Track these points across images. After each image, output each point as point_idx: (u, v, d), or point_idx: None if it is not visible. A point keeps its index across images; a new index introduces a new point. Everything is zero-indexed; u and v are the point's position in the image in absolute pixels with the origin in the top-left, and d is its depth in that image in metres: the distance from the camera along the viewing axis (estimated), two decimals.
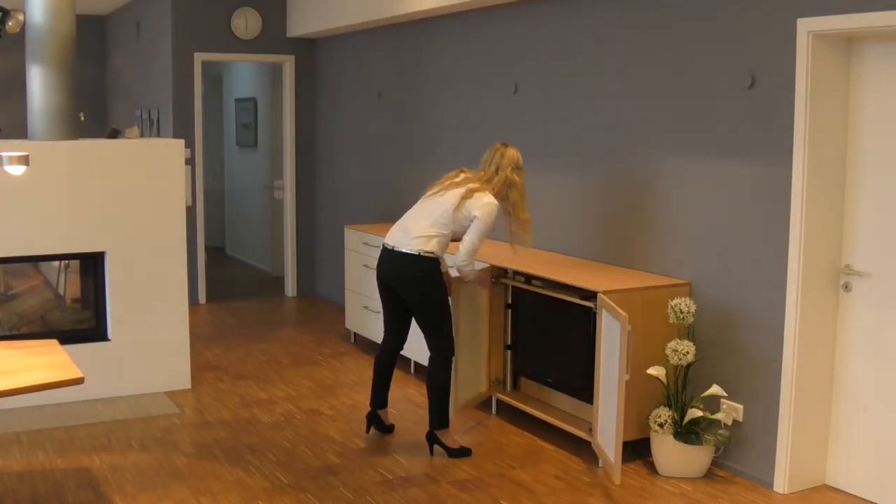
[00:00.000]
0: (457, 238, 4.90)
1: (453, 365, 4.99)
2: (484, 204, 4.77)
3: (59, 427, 5.31)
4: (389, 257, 4.92)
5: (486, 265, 5.35)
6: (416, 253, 4.80)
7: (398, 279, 4.89)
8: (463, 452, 4.93)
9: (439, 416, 4.92)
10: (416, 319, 4.99)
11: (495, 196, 4.82)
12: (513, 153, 4.90)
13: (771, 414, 4.48)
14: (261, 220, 10.60)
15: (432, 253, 4.81)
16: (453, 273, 5.07)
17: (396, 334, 5.13)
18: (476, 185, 4.84)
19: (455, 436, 5.06)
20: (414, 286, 4.86)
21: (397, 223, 5.01)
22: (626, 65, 5.26)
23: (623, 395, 4.34)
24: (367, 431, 5.21)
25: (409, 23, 7.28)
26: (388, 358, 5.16)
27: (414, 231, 4.85)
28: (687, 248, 4.92)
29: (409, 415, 5.57)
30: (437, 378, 4.91)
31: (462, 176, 4.95)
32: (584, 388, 4.94)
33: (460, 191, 4.83)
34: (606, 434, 4.53)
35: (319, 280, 9.17)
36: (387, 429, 5.23)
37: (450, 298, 4.96)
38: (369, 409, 5.22)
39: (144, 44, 9.41)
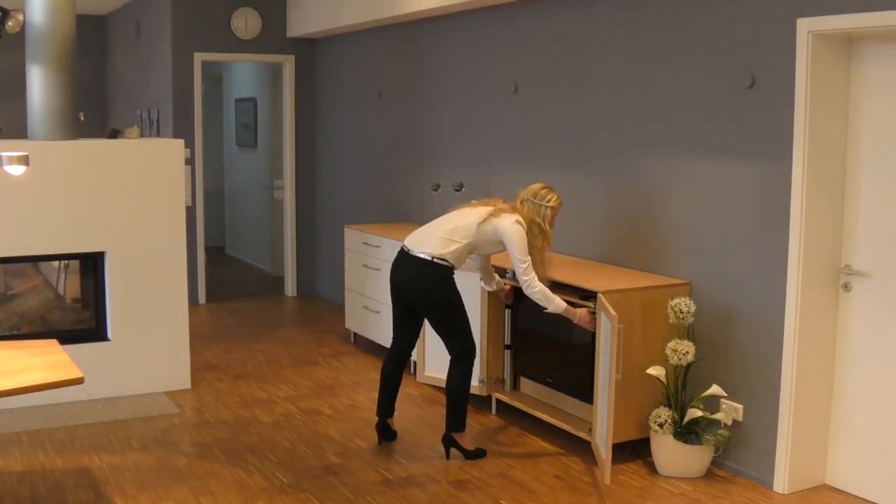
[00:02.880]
0: (475, 252, 4.92)
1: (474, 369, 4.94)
2: (510, 223, 4.75)
3: (59, 427, 5.31)
4: (403, 260, 4.91)
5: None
6: (430, 258, 4.79)
7: (409, 283, 4.88)
8: (479, 454, 4.90)
9: (457, 419, 4.88)
10: (430, 324, 4.97)
11: (525, 221, 4.80)
12: (535, 185, 4.91)
13: (771, 414, 4.48)
14: (261, 220, 10.60)
15: (445, 259, 4.78)
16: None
17: (405, 339, 5.08)
18: (505, 207, 4.86)
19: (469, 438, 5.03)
20: (424, 291, 4.84)
21: (420, 228, 5.01)
22: (626, 64, 5.26)
23: (613, 394, 4.34)
24: (380, 443, 5.10)
25: (409, 23, 7.28)
26: (395, 364, 5.08)
27: (432, 236, 4.85)
28: (687, 248, 4.92)
29: (409, 415, 5.57)
30: (456, 381, 4.86)
31: (495, 200, 4.97)
32: (584, 389, 4.94)
33: (490, 208, 4.86)
34: (602, 434, 4.53)
35: (319, 280, 9.17)
36: (391, 435, 5.16)
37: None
38: (377, 419, 5.11)
39: (144, 44, 9.41)
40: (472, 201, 5.04)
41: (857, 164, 4.33)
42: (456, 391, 4.87)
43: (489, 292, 5.48)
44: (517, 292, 5.25)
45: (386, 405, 5.10)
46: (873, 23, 3.96)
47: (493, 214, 4.81)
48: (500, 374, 5.61)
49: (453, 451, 4.91)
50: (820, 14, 4.16)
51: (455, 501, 4.38)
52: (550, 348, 5.35)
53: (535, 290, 4.70)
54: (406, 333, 5.07)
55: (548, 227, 4.84)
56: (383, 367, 5.11)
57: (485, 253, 4.97)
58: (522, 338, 5.51)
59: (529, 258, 4.72)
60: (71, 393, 5.51)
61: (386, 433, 5.12)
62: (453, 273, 4.85)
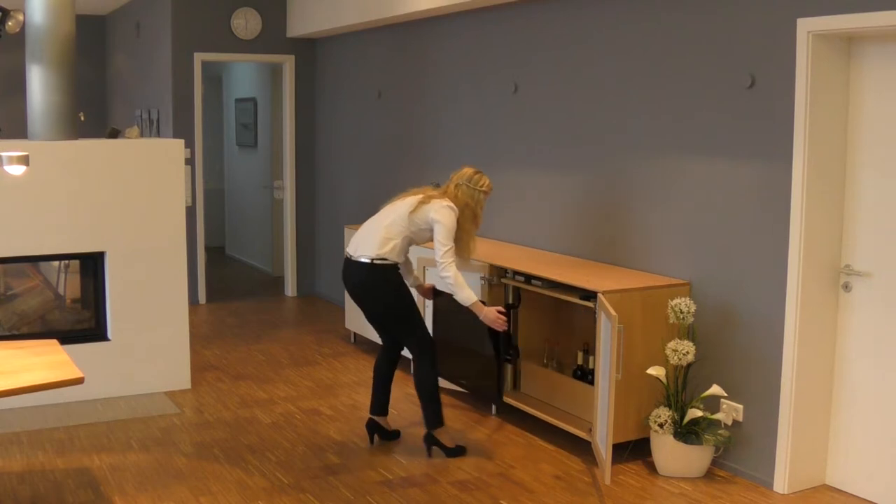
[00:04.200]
0: (414, 244, 4.93)
1: (437, 360, 4.96)
2: (441, 207, 4.78)
3: (59, 427, 5.31)
4: (348, 266, 4.94)
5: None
6: (370, 260, 4.81)
7: (357, 289, 4.92)
8: (459, 451, 4.93)
9: (432, 415, 4.91)
10: (386, 325, 5.02)
11: (455, 205, 4.84)
12: (468, 169, 4.94)
13: (771, 414, 4.48)
14: (261, 220, 10.60)
15: (386, 258, 4.81)
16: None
17: (389, 337, 5.10)
18: (434, 193, 4.89)
19: (452, 434, 5.07)
20: (372, 295, 4.89)
21: (357, 231, 5.03)
22: (625, 64, 5.26)
23: (613, 394, 4.34)
24: (371, 442, 5.09)
25: (409, 23, 7.28)
26: (386, 362, 5.11)
27: (369, 238, 4.87)
28: (687, 248, 4.92)
29: (409, 415, 5.57)
30: (422, 379, 4.89)
31: (424, 188, 5.02)
32: (490, 393, 5.03)
33: (419, 196, 4.89)
34: (602, 434, 4.53)
35: (319, 280, 9.17)
36: (391, 435, 5.15)
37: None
38: (368, 417, 5.13)
39: (144, 44, 9.42)
40: (401, 193, 5.04)
41: (857, 164, 4.33)
42: (424, 389, 4.90)
43: (486, 290, 5.48)
44: (436, 291, 5.29)
45: (379, 403, 5.12)
46: (873, 23, 3.96)
47: (422, 202, 4.84)
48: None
49: (435, 448, 4.94)
50: (820, 14, 4.16)
51: (455, 501, 4.38)
52: (463, 350, 5.34)
53: (449, 274, 4.70)
54: (386, 331, 5.10)
55: (480, 211, 4.89)
56: (375, 365, 5.15)
57: (420, 241, 4.96)
58: (439, 338, 5.47)
59: (452, 244, 4.74)
60: (71, 393, 5.51)
61: (379, 432, 5.11)
62: (397, 270, 4.88)
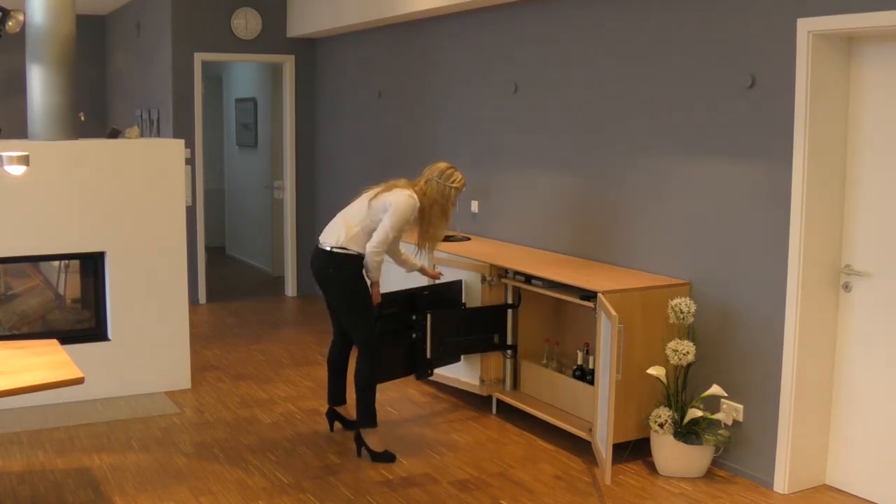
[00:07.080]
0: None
1: (378, 359, 4.98)
2: (401, 195, 4.80)
3: (59, 427, 5.31)
4: (314, 253, 5.02)
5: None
6: (330, 248, 4.87)
7: (317, 275, 4.99)
8: (386, 457, 4.84)
9: (364, 414, 4.90)
10: (339, 313, 5.05)
11: (420, 198, 4.84)
12: (441, 164, 4.96)
13: (771, 414, 4.48)
14: (261, 220, 10.60)
15: (345, 248, 4.85)
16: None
17: (340, 328, 5.16)
18: (400, 185, 4.90)
19: (380, 436, 4.98)
20: (328, 282, 4.94)
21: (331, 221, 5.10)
22: (626, 64, 5.26)
23: (614, 394, 4.34)
24: (331, 430, 5.25)
25: (409, 23, 7.28)
26: (337, 352, 5.21)
27: (335, 226, 4.94)
28: (687, 248, 4.92)
29: (410, 415, 5.57)
30: (358, 373, 4.92)
31: (394, 181, 5.00)
32: None
33: (383, 186, 4.92)
34: (602, 433, 4.53)
35: None
36: (352, 424, 5.21)
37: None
38: (327, 407, 5.29)
39: (144, 44, 9.42)
40: (373, 186, 5.05)
41: (857, 164, 4.33)
42: (359, 383, 4.91)
43: (487, 290, 5.48)
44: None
45: (335, 393, 5.23)
46: (873, 23, 3.96)
47: (384, 190, 4.87)
48: (499, 374, 5.61)
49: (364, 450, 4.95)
50: (820, 14, 4.16)
51: (455, 501, 4.38)
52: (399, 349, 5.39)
53: (375, 259, 4.79)
54: (340, 322, 5.14)
55: (450, 207, 4.92)
56: (328, 355, 5.24)
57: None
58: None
59: (395, 235, 4.79)
60: (71, 393, 5.51)
61: (339, 420, 5.26)
62: (357, 262, 4.88)
